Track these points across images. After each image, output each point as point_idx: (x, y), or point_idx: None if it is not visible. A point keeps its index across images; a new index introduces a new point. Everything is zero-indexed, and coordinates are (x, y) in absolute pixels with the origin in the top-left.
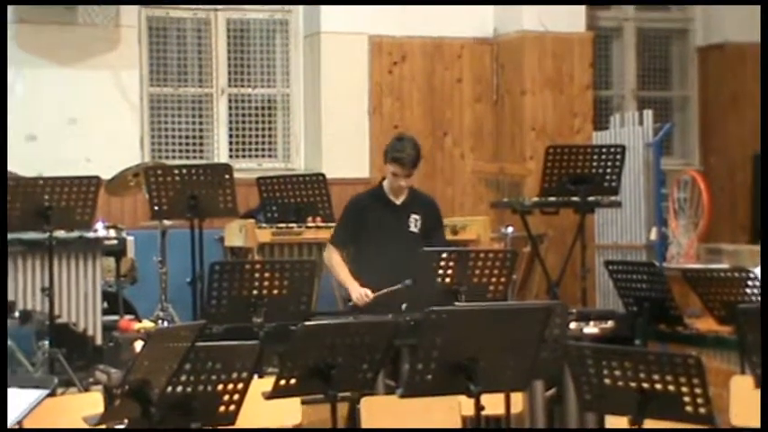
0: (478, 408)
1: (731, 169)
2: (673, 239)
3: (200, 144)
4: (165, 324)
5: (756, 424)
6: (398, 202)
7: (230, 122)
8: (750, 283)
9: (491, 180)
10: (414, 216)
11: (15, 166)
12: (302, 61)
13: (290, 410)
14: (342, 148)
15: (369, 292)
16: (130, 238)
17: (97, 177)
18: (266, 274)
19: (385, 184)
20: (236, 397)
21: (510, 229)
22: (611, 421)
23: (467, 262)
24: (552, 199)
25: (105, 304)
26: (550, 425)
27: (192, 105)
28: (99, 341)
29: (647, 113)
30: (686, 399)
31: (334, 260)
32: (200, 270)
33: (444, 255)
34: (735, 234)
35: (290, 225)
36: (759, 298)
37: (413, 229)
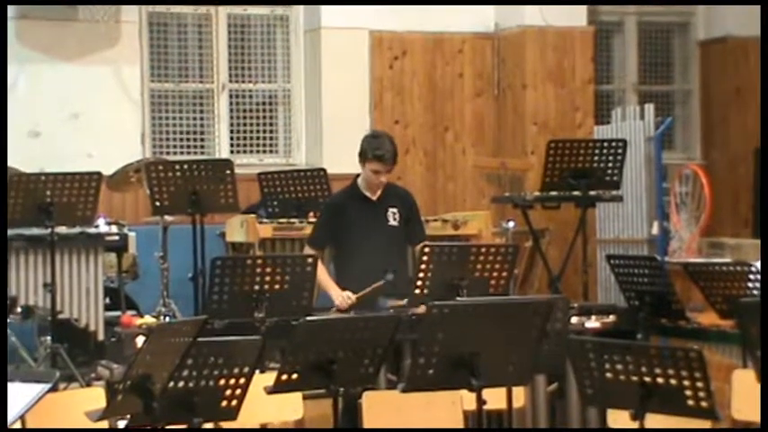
0: (480, 402)
1: (733, 163)
2: (674, 234)
3: (201, 139)
4: (167, 319)
5: (758, 418)
6: (375, 197)
7: (231, 118)
8: (752, 277)
9: (492, 175)
10: (392, 210)
11: (17, 162)
12: (303, 56)
13: (292, 405)
14: (343, 143)
15: (351, 294)
16: (132, 234)
17: (98, 173)
18: (267, 270)
19: (359, 181)
20: (237, 392)
21: (511, 224)
22: (613, 415)
23: (468, 257)
24: (554, 193)
25: (107, 300)
26: (552, 419)
27: (192, 101)
28: (101, 337)
29: (649, 107)
30: (688, 393)
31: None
32: (201, 265)
33: (446, 249)
34: (736, 228)
35: (292, 220)
36: (760, 292)
37: (392, 222)
